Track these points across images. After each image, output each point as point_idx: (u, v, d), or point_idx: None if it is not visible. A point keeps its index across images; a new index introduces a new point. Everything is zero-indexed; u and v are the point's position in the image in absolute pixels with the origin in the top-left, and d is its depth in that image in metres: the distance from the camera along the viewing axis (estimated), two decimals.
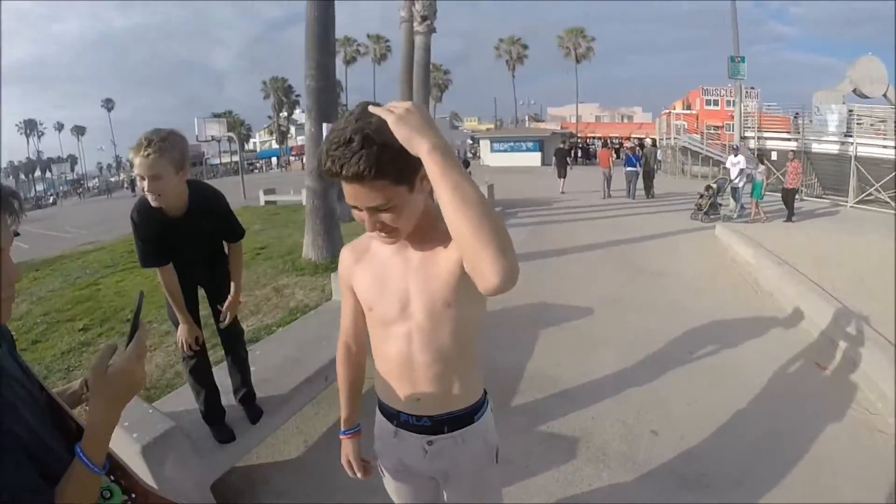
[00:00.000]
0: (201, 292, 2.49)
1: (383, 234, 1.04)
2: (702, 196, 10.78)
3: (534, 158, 29.88)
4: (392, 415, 1.26)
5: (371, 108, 0.93)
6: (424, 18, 11.70)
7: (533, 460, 2.63)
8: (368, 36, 51.71)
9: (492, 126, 52.69)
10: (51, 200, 46.34)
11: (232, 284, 2.44)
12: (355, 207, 1.01)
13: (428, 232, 1.09)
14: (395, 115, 0.88)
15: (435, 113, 33.94)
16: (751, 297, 5.35)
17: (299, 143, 49.69)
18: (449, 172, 0.83)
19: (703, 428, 2.90)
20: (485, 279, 0.80)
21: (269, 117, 57.65)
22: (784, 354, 3.87)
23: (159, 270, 2.22)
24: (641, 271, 6.47)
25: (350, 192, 0.97)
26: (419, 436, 1.22)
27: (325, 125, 6.50)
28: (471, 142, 46.44)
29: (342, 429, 1.41)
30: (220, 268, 2.45)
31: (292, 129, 56.36)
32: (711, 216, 10.43)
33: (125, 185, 48.33)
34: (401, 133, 0.87)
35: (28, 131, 69.37)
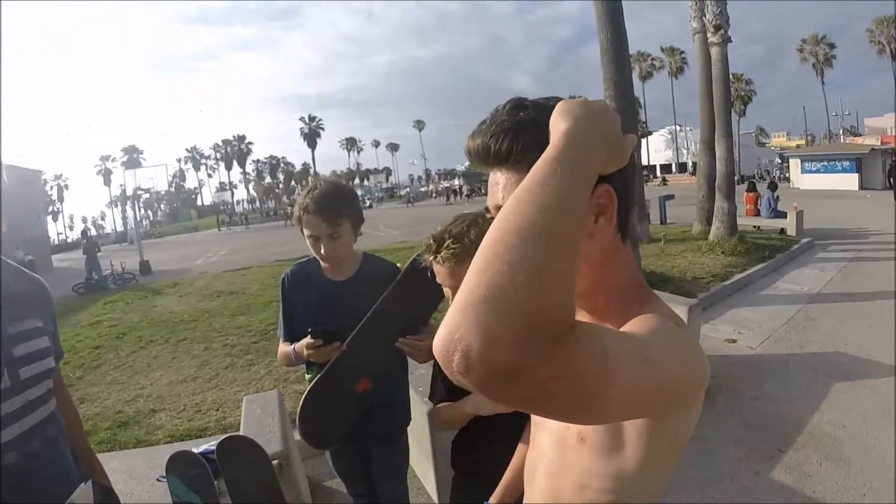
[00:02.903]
0: None
1: None
2: None
3: (850, 181, 23.25)
4: None
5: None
6: (717, 28, 10.76)
7: None
8: (662, 49, 49.50)
9: (802, 142, 44.20)
10: (367, 204, 52.52)
11: None
12: None
13: (605, 306, 0.64)
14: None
15: (738, 128, 29.89)
16: None
17: None
18: (558, 164, 0.48)
19: None
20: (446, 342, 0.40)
21: None
22: None
23: None
24: None
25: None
26: None
27: None
28: (779, 160, 39.49)
29: (488, 499, 1.20)
30: None
31: None
32: None
33: (434, 195, 55.64)
34: (553, 120, 0.54)
35: (349, 147, 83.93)
